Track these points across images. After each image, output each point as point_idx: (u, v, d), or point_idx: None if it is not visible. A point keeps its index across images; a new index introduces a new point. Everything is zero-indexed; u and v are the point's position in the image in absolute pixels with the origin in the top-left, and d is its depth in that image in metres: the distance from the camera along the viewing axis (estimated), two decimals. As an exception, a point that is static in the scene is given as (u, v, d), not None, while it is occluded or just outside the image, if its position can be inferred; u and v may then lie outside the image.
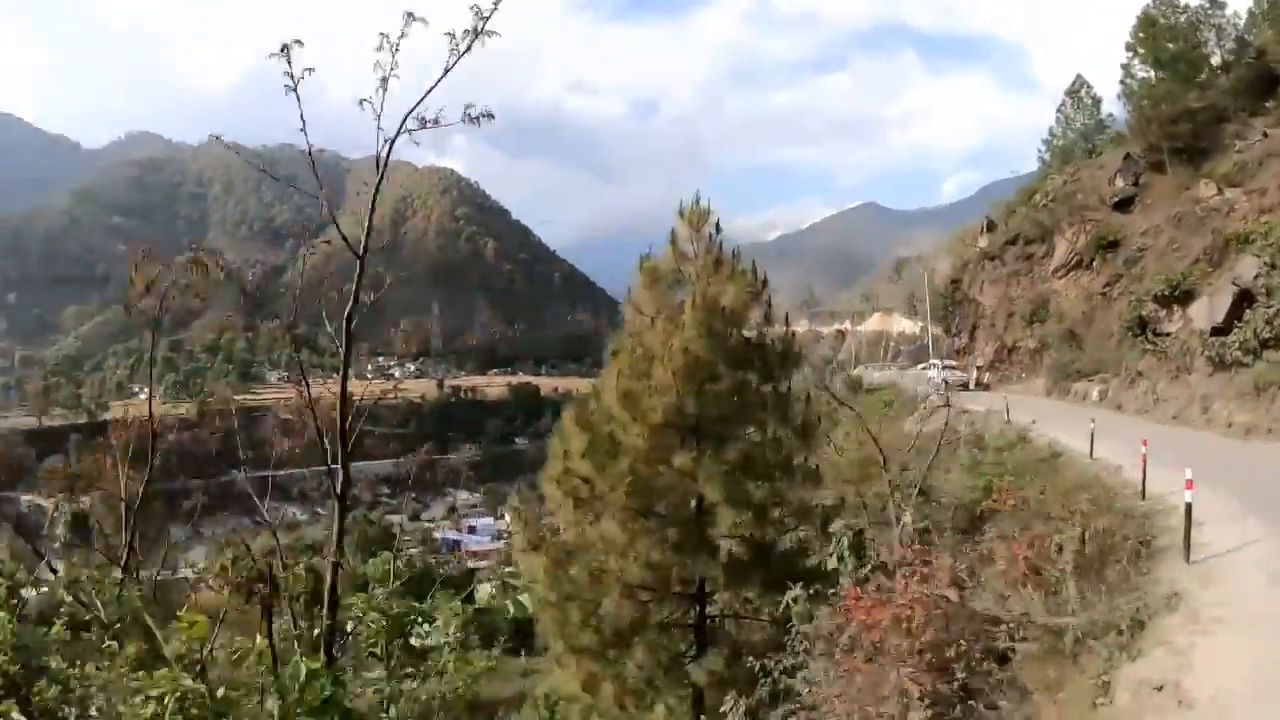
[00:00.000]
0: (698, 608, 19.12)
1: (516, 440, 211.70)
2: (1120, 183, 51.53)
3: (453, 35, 9.28)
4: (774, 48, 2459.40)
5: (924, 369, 75.74)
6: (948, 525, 18.12)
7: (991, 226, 64.73)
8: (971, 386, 55.12)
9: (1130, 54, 52.47)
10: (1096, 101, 64.91)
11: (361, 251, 11.52)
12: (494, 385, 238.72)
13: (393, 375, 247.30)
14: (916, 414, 41.84)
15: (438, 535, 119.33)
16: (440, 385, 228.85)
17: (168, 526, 64.27)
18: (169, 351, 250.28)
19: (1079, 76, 66.79)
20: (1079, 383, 45.53)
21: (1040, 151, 68.08)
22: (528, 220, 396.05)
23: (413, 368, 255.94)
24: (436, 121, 9.57)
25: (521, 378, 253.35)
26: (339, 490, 10.71)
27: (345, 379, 11.75)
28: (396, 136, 9.94)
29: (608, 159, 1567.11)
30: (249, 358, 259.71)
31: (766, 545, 18.84)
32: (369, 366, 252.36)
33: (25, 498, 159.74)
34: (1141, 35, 51.58)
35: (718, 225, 20.72)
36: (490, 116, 10.08)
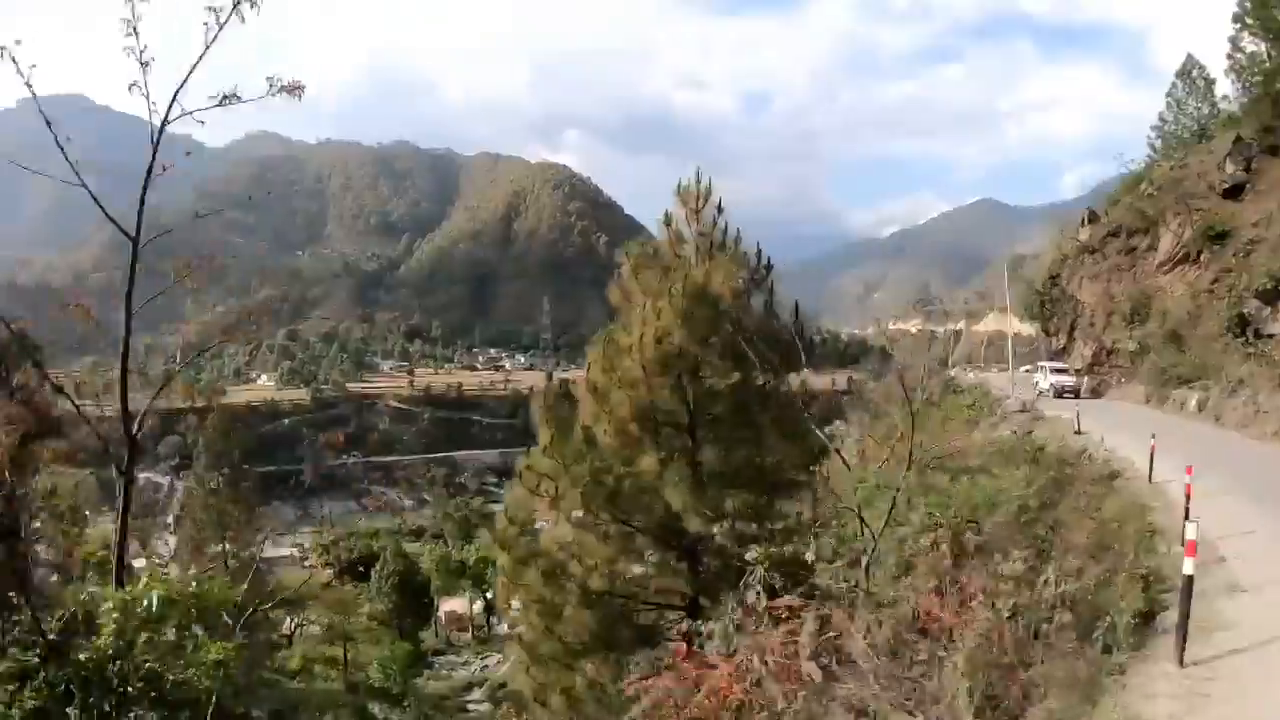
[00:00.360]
0: (691, 622, 16.65)
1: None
2: (1230, 168, 46.48)
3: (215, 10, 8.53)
4: (888, 38, 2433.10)
5: (1028, 372, 70.95)
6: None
7: (1093, 217, 59.41)
8: (1083, 394, 50.89)
9: (1238, 25, 47.72)
10: (1209, 83, 59.33)
11: (135, 233, 11.40)
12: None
13: (503, 366, 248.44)
14: (987, 421, 38.11)
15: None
16: (549, 378, 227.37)
17: (253, 506, 64.01)
18: (286, 340, 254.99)
19: (1189, 57, 61.00)
20: (1178, 390, 40.70)
21: (1150, 138, 62.55)
22: (640, 216, 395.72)
23: (523, 360, 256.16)
24: (238, 98, 9.19)
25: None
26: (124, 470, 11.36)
27: (125, 360, 11.91)
28: (167, 118, 8.20)
29: (720, 154, 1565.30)
30: (363, 347, 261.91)
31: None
32: (480, 358, 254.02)
33: (144, 475, 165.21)
34: (1250, 4, 46.60)
35: (719, 205, 18.80)
36: (300, 88, 8.22)
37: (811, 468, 18.35)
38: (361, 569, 77.45)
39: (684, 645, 9.61)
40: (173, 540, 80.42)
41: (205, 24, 7.72)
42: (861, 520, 13.39)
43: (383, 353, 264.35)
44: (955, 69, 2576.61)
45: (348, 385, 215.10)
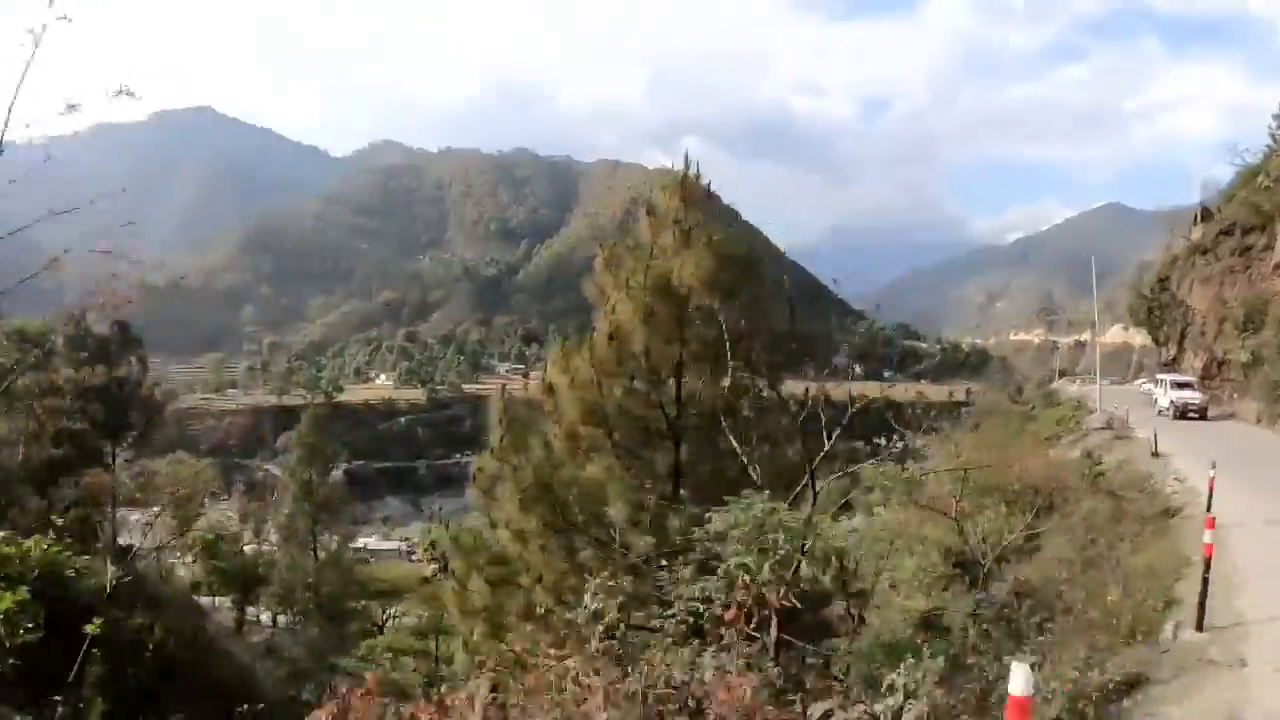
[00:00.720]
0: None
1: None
2: (1359, 158, 42.32)
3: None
4: (1008, 39, 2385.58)
5: (1142, 386, 65.81)
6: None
7: (1206, 215, 54.23)
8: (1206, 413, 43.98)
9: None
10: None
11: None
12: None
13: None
14: (1067, 438, 35.70)
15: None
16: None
17: (342, 500, 64.50)
18: (405, 341, 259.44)
19: (1316, 40, 55.99)
20: (1291, 408, 36.88)
21: (1271, 128, 57.04)
22: (758, 222, 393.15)
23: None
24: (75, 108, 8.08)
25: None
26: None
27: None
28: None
29: (838, 159, 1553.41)
30: (480, 350, 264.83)
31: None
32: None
33: (264, 467, 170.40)
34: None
35: (708, 191, 17.94)
36: (131, 94, 8.08)
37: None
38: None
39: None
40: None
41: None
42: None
43: (499, 356, 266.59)
44: (1078, 69, 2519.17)
45: (463, 386, 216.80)
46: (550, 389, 15.75)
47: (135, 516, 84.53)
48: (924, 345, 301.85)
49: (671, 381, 16.07)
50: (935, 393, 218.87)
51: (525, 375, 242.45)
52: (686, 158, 17.80)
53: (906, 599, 20.32)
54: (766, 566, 9.85)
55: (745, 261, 17.83)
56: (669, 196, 17.32)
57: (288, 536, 52.68)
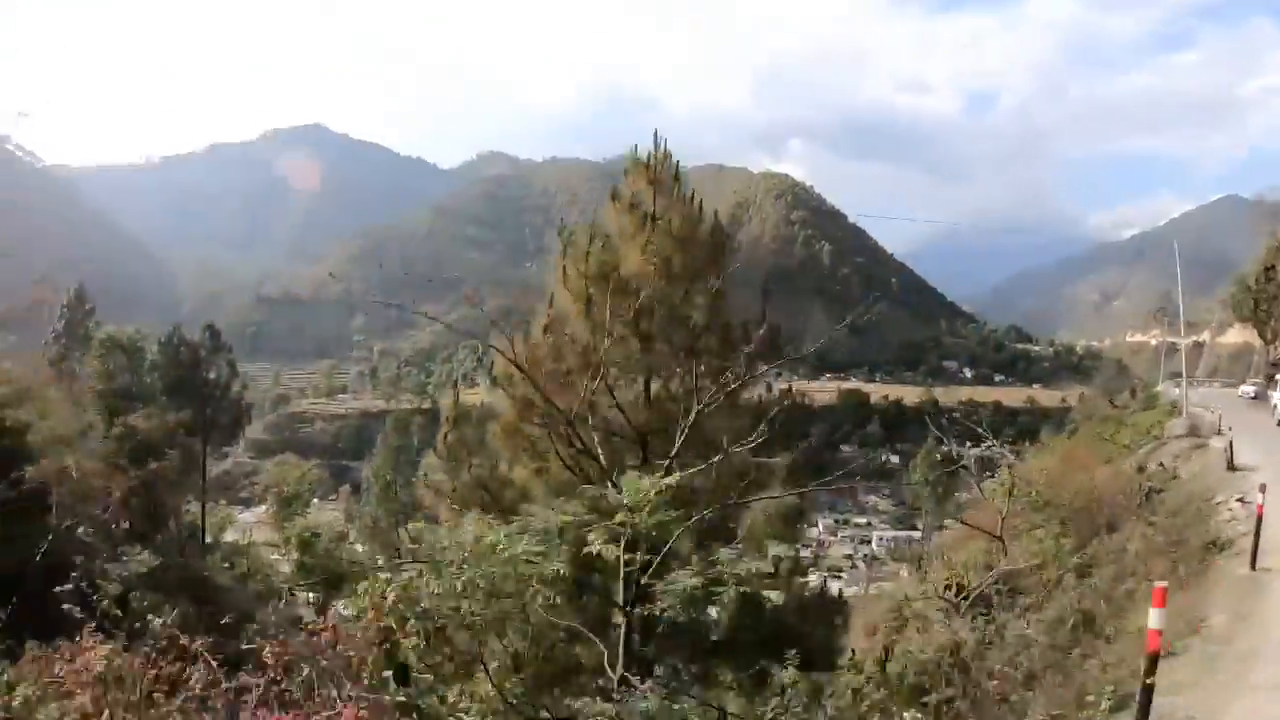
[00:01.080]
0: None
1: (841, 448, 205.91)
2: None
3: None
4: (1113, 26, 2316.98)
5: (1241, 388, 62.18)
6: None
7: None
8: None
9: None
10: None
11: None
12: (824, 391, 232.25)
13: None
14: (1146, 446, 33.77)
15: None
16: (768, 389, 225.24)
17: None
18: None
19: None
20: None
21: None
22: (864, 223, 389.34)
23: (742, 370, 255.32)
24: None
25: (854, 384, 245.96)
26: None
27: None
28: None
29: (945, 157, 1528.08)
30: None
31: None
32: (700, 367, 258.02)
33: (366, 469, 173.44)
34: None
35: (676, 173, 17.14)
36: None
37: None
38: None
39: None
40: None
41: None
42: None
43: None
44: (1188, 56, 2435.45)
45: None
46: (494, 383, 15.25)
47: (244, 515, 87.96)
48: (1036, 348, 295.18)
49: (639, 380, 15.25)
50: (1047, 397, 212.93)
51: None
52: (656, 136, 16.86)
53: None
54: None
55: (709, 247, 17.01)
56: (633, 179, 16.49)
57: (372, 535, 53.38)
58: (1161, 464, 25.48)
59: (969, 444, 33.07)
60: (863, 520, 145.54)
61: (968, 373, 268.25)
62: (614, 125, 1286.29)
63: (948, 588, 17.74)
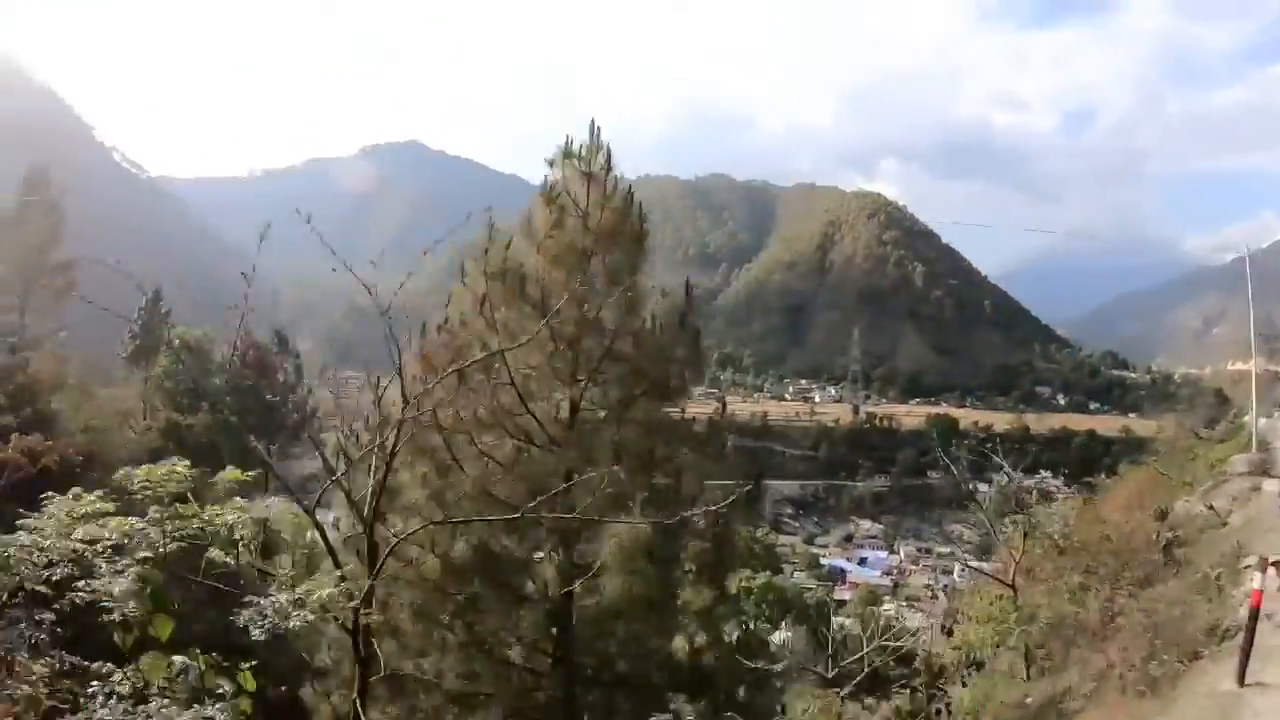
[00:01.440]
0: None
1: (929, 474, 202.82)
2: None
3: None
4: (1209, 40, 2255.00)
5: None
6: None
7: None
8: None
9: None
10: None
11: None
12: (913, 415, 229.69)
13: (811, 398, 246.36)
14: (1204, 485, 30.78)
15: (825, 562, 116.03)
16: (855, 411, 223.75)
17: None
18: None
19: None
20: None
21: None
22: (958, 244, 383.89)
23: (834, 392, 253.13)
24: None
25: (944, 409, 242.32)
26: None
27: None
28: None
29: (1041, 176, 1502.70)
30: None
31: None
32: (790, 388, 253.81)
33: None
34: None
35: (608, 163, 15.05)
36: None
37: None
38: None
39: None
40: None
41: None
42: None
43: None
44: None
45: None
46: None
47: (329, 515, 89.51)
48: (1133, 374, 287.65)
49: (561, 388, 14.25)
50: (1143, 427, 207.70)
51: (721, 401, 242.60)
52: (593, 125, 15.26)
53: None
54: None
55: (630, 243, 15.33)
56: (560, 171, 15.11)
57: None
58: (1211, 506, 22.06)
59: (1020, 474, 31.42)
60: (946, 549, 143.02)
61: (1061, 399, 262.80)
62: (707, 144, 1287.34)
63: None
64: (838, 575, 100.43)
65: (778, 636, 37.07)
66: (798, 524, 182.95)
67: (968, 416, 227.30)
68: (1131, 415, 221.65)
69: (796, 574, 77.52)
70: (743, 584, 71.35)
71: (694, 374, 15.90)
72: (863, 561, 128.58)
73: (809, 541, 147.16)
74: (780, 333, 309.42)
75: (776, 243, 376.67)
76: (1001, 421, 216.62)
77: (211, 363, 57.49)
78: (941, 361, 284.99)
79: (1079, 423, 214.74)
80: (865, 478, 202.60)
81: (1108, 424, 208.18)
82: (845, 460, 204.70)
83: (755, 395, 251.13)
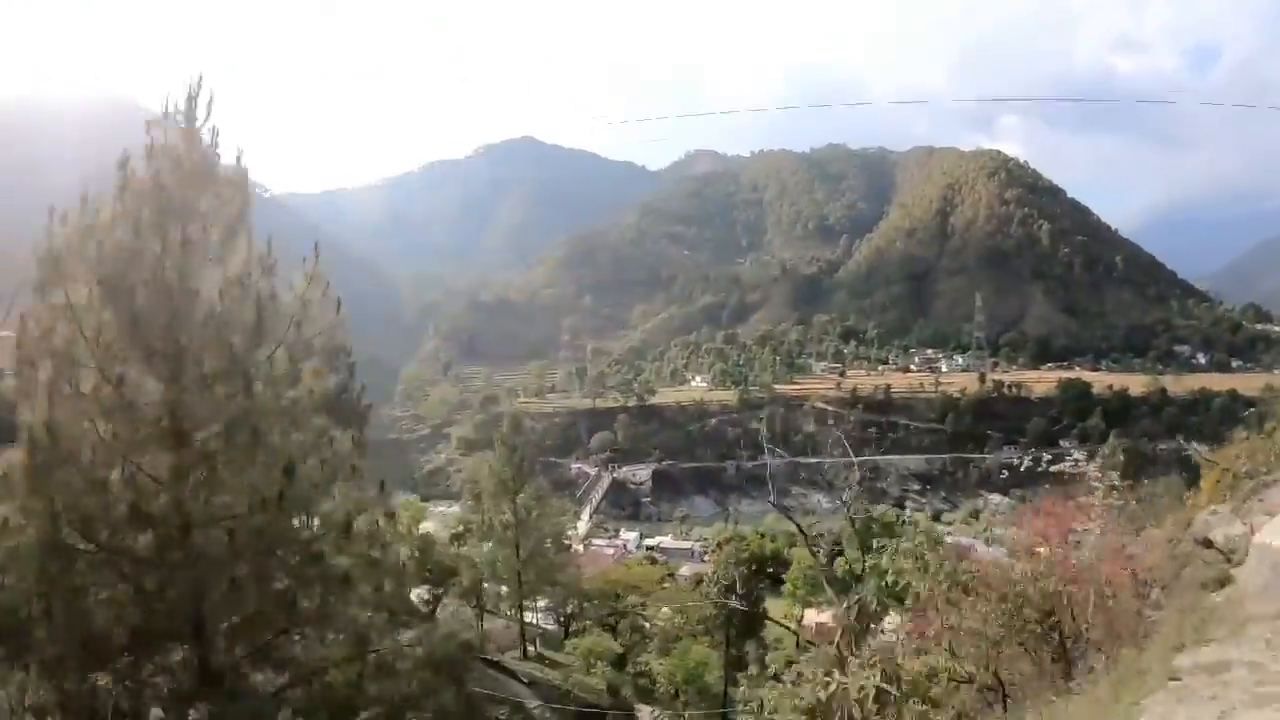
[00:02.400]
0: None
1: (1061, 443, 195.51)
2: None
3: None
4: None
5: None
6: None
7: None
8: None
9: None
10: None
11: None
12: (1044, 381, 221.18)
13: (938, 368, 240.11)
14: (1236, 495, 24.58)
15: (949, 539, 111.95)
16: (981, 379, 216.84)
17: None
18: (723, 344, 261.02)
19: None
20: None
21: None
22: (1087, 199, 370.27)
23: (960, 361, 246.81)
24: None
25: (1078, 373, 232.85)
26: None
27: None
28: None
29: (1170, 123, 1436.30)
30: (797, 349, 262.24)
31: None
32: (915, 359, 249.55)
33: (575, 465, 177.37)
34: None
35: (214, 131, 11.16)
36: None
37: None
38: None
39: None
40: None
41: None
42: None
43: (816, 355, 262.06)
44: None
45: (775, 386, 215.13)
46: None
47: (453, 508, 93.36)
48: (1277, 329, 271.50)
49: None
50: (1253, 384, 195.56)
51: (841, 374, 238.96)
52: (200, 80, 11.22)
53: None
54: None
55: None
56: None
57: (484, 535, 52.37)
58: (1248, 527, 13.32)
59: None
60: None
61: (1201, 358, 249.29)
62: (820, 114, 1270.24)
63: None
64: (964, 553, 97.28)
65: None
66: (924, 500, 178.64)
67: (1101, 380, 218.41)
68: (1276, 372, 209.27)
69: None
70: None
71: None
72: (989, 541, 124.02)
73: (935, 518, 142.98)
74: (903, 302, 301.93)
75: (895, 210, 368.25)
76: (1137, 384, 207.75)
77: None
78: (1072, 323, 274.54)
79: (1220, 383, 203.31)
80: (993, 449, 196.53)
81: (1250, 383, 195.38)
82: (972, 432, 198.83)
83: (879, 368, 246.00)
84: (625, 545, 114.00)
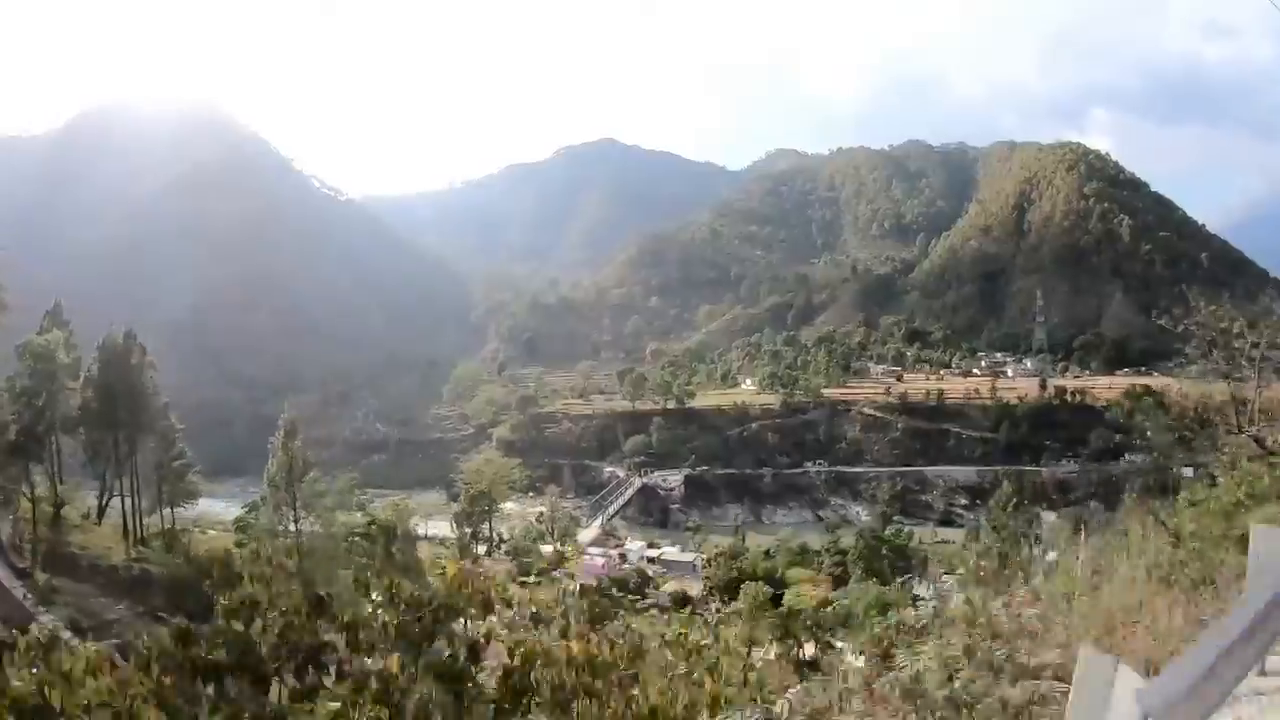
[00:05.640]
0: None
1: (1125, 456, 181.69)
2: None
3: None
4: None
5: None
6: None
7: None
8: None
9: None
10: None
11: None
12: (1114, 387, 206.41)
13: (1004, 372, 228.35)
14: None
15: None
16: (1042, 386, 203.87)
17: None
18: (783, 345, 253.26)
19: None
20: None
21: None
22: (1174, 193, 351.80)
23: (1029, 364, 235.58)
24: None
25: (1155, 378, 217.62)
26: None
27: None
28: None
29: (1266, 112, 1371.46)
30: (859, 351, 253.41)
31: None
32: (982, 361, 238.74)
33: (609, 469, 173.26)
34: None
35: None
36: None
37: None
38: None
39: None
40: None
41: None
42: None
43: (876, 357, 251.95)
44: None
45: (823, 391, 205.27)
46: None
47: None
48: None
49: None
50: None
51: (899, 378, 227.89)
52: None
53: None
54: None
55: None
56: None
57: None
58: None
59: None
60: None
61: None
62: (901, 111, 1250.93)
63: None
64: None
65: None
66: (971, 515, 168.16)
67: (1176, 388, 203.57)
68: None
69: (945, 576, 69.76)
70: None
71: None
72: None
73: (976, 537, 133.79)
74: (974, 302, 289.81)
75: (973, 207, 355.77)
76: (1218, 391, 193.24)
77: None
78: (1152, 325, 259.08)
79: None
80: (1050, 461, 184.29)
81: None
82: (1029, 442, 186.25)
83: (940, 371, 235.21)
84: (623, 555, 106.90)
